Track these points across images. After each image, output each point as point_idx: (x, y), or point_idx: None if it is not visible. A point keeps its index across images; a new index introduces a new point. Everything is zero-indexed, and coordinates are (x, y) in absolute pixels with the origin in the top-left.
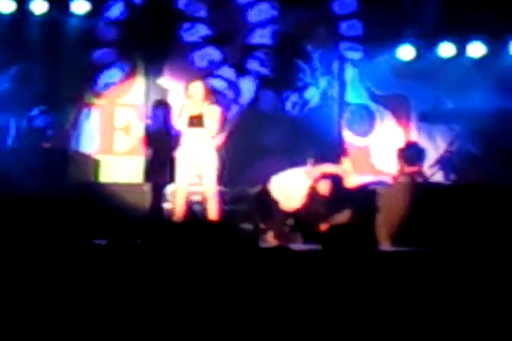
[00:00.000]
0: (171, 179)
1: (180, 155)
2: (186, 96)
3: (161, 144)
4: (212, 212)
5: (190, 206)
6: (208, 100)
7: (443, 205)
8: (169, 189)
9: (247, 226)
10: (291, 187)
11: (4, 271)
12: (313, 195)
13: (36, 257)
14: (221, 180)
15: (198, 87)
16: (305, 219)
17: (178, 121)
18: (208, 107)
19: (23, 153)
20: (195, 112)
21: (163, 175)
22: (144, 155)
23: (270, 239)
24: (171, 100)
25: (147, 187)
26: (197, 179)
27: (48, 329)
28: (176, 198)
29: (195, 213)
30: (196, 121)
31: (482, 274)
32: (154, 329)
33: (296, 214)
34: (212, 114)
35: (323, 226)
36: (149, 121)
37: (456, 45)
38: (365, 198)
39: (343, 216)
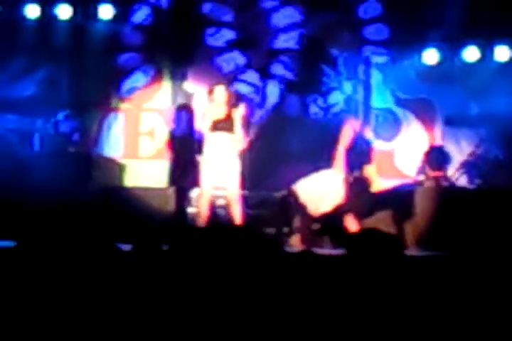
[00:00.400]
0: (195, 183)
1: (204, 159)
2: (209, 100)
3: (184, 148)
4: (236, 217)
5: (214, 210)
6: (232, 104)
7: (468, 210)
8: (194, 193)
9: (271, 230)
10: (320, 191)
11: (28, 276)
12: (356, 190)
13: (61, 261)
14: (245, 184)
15: (221, 91)
16: (334, 222)
17: (202, 125)
18: (233, 110)
19: (48, 158)
20: (218, 116)
21: (187, 180)
22: (168, 159)
23: (296, 243)
24: (195, 104)
25: (171, 192)
26: (221, 183)
27: (69, 335)
28: (201, 202)
29: (219, 217)
30: (220, 125)
31: (508, 279)
32: (179, 334)
33: (324, 218)
34: (238, 114)
35: (353, 229)
36: (173, 125)
37: (482, 48)
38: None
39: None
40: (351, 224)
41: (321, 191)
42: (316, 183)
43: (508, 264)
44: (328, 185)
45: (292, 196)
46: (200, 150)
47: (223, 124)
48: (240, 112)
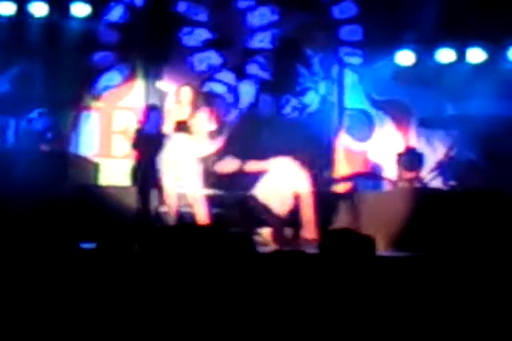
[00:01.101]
0: (156, 182)
1: (163, 159)
2: (176, 101)
3: (149, 148)
4: (201, 216)
5: (179, 210)
6: (198, 106)
7: (442, 211)
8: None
9: (238, 230)
10: (276, 189)
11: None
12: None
13: (30, 260)
14: (220, 184)
15: (186, 92)
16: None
17: (166, 126)
18: (200, 115)
19: (21, 156)
20: (181, 117)
21: (148, 179)
22: (134, 158)
23: (268, 243)
24: (168, 103)
25: (134, 191)
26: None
27: (36, 336)
28: (167, 201)
29: (184, 217)
30: (182, 126)
31: (481, 279)
32: (148, 335)
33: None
34: (200, 119)
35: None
36: (141, 125)
37: (456, 50)
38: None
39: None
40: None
41: (277, 189)
42: (271, 182)
43: (481, 264)
44: (283, 179)
45: (252, 200)
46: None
47: (185, 125)
48: (202, 115)
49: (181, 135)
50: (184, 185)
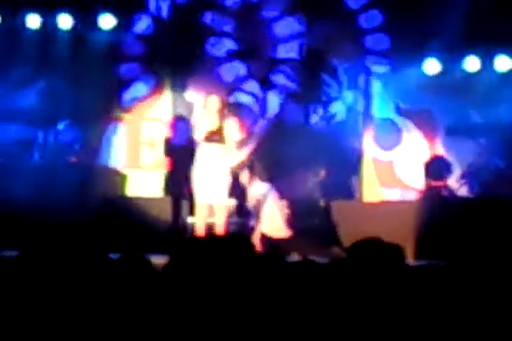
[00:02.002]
0: (190, 194)
1: (196, 170)
2: (203, 111)
3: (181, 159)
4: (220, 226)
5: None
6: (225, 115)
7: (470, 219)
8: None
9: None
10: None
11: (29, 285)
12: None
13: (60, 271)
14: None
15: (213, 101)
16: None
17: (195, 135)
18: (230, 124)
19: (49, 168)
20: (211, 127)
21: (183, 190)
22: (166, 169)
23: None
24: (195, 114)
25: (167, 202)
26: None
27: None
28: (197, 212)
29: (208, 227)
30: (213, 136)
31: (509, 289)
32: None
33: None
34: (229, 128)
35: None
36: (171, 136)
37: (482, 58)
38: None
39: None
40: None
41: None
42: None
43: (508, 273)
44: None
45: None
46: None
47: (215, 135)
48: (231, 124)
49: (212, 145)
50: (214, 194)
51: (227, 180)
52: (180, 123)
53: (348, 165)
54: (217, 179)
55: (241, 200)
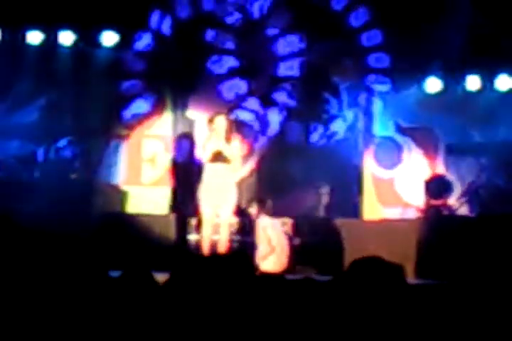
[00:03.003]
0: (196, 211)
1: (203, 188)
2: (209, 129)
3: (185, 176)
4: (223, 243)
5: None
6: (232, 134)
7: (470, 238)
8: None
9: None
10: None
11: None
12: None
13: (58, 289)
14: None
15: (221, 120)
16: None
17: (202, 154)
18: (231, 144)
19: (50, 184)
20: (218, 146)
21: (188, 207)
22: (170, 186)
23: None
24: (197, 131)
25: (172, 219)
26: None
27: None
28: (202, 231)
29: (212, 244)
30: (219, 156)
31: (509, 308)
32: None
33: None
34: (235, 148)
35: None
36: (174, 153)
37: (483, 77)
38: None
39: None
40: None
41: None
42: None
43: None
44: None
45: None
46: (200, 178)
47: (222, 155)
48: (235, 144)
49: (219, 165)
50: (222, 212)
51: (234, 199)
52: (184, 140)
53: (349, 183)
54: (224, 198)
55: (245, 219)
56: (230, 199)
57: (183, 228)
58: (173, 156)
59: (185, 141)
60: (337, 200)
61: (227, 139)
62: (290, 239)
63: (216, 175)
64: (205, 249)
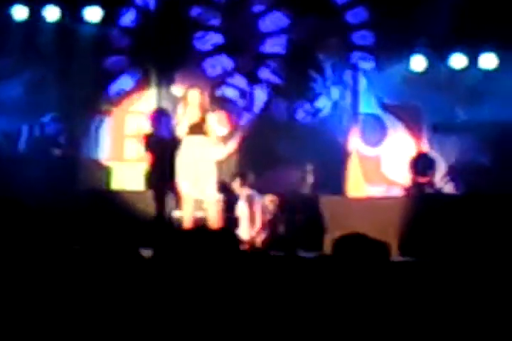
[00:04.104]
0: (173, 186)
1: (180, 163)
2: (184, 104)
3: (163, 152)
4: (213, 220)
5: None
6: (206, 107)
7: (454, 216)
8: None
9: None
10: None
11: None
12: None
13: (41, 264)
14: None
15: (194, 94)
16: None
17: (178, 129)
18: (213, 117)
19: (34, 160)
20: (192, 120)
21: (166, 183)
22: (148, 162)
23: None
24: (180, 108)
25: (150, 195)
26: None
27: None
28: (183, 206)
29: (198, 221)
30: (195, 129)
31: (492, 285)
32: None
33: None
34: (212, 121)
35: None
36: (152, 129)
37: (468, 55)
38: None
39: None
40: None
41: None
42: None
43: (494, 270)
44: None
45: None
46: (177, 154)
47: (198, 128)
48: (214, 118)
49: (196, 138)
50: (201, 188)
51: (214, 173)
52: (162, 116)
53: (334, 160)
54: (203, 172)
55: (229, 196)
56: (208, 174)
57: (161, 204)
58: (150, 131)
59: (163, 116)
60: (322, 178)
61: (203, 112)
62: (273, 214)
63: (193, 148)
64: (188, 225)
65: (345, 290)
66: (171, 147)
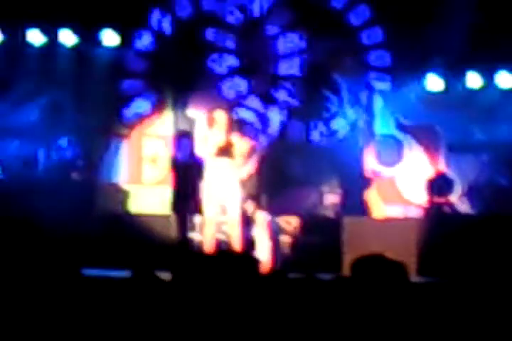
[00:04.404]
0: (197, 210)
1: (205, 185)
2: (209, 124)
3: (186, 175)
4: (236, 242)
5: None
6: (233, 130)
7: (472, 236)
8: (198, 220)
9: None
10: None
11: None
12: None
13: (55, 288)
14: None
15: (222, 115)
16: None
17: (203, 151)
18: (237, 139)
19: (51, 184)
20: (220, 142)
21: (189, 206)
22: (172, 185)
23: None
24: (197, 130)
25: (173, 218)
26: (222, 209)
27: None
28: (205, 229)
29: (222, 244)
30: (223, 151)
31: (508, 306)
32: None
33: None
34: (242, 146)
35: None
36: (175, 152)
37: (484, 75)
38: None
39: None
40: None
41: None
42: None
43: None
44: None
45: None
46: (201, 177)
47: (224, 150)
48: (242, 141)
49: (221, 159)
50: (225, 210)
51: (239, 195)
52: (182, 139)
53: (350, 181)
54: (229, 195)
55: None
56: (234, 194)
57: (183, 227)
58: (172, 155)
59: (184, 139)
60: (339, 199)
61: (228, 135)
62: (290, 236)
63: (219, 171)
64: (208, 248)
65: (364, 311)
66: (194, 170)
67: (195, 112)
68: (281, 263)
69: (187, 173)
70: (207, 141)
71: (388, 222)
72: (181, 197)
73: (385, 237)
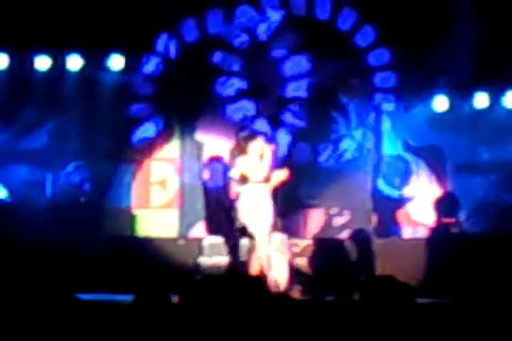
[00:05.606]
0: (230, 233)
1: (245, 209)
2: (239, 152)
3: (219, 199)
4: (257, 263)
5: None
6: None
7: (480, 256)
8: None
9: None
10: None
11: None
12: None
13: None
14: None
15: (258, 144)
16: None
17: (234, 176)
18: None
19: (60, 208)
20: (255, 168)
21: (225, 231)
22: (203, 210)
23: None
24: (206, 153)
25: (182, 242)
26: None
27: None
28: (257, 251)
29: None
30: (258, 177)
31: None
32: None
33: None
34: (279, 176)
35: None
36: (207, 177)
37: (491, 95)
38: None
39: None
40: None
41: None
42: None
43: None
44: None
45: None
46: (233, 201)
47: (260, 176)
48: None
49: (256, 184)
50: (259, 232)
51: (271, 219)
52: (213, 164)
53: (358, 203)
54: (262, 217)
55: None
56: (267, 219)
57: (235, 252)
58: (204, 181)
59: (217, 164)
60: (347, 221)
61: (261, 160)
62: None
63: (254, 195)
64: (255, 270)
65: (369, 332)
66: (227, 194)
67: (203, 136)
68: (298, 284)
69: (219, 198)
70: (240, 167)
71: (394, 242)
72: (216, 224)
73: (393, 258)
